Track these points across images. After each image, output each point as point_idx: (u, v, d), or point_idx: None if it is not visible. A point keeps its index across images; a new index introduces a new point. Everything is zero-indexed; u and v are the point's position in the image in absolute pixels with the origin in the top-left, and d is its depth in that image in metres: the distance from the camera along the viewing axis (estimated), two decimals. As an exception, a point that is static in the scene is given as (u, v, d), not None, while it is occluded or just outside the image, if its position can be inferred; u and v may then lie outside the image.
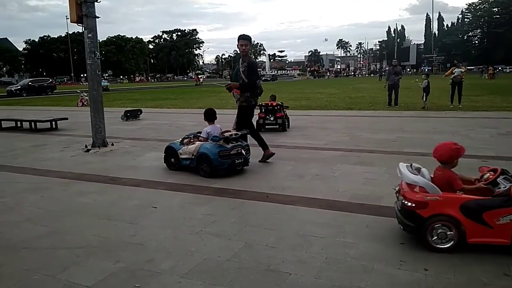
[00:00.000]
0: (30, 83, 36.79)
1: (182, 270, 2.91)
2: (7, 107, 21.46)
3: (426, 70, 48.15)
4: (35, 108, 20.21)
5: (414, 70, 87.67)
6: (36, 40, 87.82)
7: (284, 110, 10.15)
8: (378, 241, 3.32)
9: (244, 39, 6.23)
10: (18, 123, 11.71)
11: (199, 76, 67.91)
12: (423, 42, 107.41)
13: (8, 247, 3.42)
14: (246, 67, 6.25)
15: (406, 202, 3.20)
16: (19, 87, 36.15)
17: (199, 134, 6.06)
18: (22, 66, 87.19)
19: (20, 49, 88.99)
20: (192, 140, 5.94)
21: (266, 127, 9.80)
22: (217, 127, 5.95)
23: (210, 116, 6.06)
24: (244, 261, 3.03)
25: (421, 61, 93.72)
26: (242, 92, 6.40)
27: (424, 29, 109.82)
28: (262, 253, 3.15)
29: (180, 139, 6.12)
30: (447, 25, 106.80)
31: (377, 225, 3.66)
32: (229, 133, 5.85)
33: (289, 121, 10.35)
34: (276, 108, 9.81)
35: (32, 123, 11.08)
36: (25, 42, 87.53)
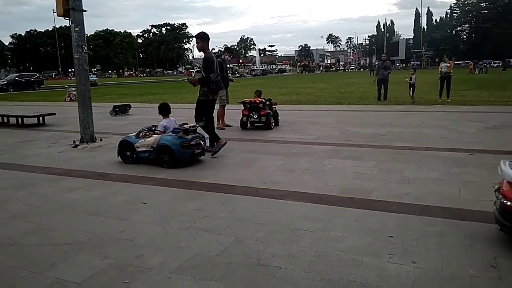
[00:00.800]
0: (16, 78, 36.21)
1: (171, 266, 2.89)
2: (-7, 102, 21.10)
3: (415, 64, 48.46)
4: (22, 103, 19.92)
5: (404, 64, 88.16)
6: (23, 34, 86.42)
7: (274, 106, 9.65)
8: (367, 234, 3.34)
9: (197, 37, 6.66)
10: (5, 118, 11.50)
11: (190, 71, 68.18)
12: (412, 36, 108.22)
13: (-6, 244, 3.36)
14: (203, 62, 6.63)
15: (505, 201, 2.98)
16: (5, 82, 35.52)
17: (154, 128, 6.36)
18: (9, 61, 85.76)
19: (6, 43, 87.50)
20: (148, 134, 6.21)
21: (250, 125, 9.25)
22: (172, 120, 6.39)
23: (164, 110, 6.49)
24: (234, 256, 3.03)
25: (410, 56, 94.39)
26: (201, 87, 6.68)
27: (413, 24, 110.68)
28: (252, 248, 3.15)
29: (135, 132, 6.35)
30: (436, 20, 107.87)
31: (366, 219, 3.68)
32: (187, 125, 6.14)
33: (278, 117, 9.83)
34: (260, 105, 9.06)
35: (19, 118, 10.91)
36: (11, 37, 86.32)
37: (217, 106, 8.65)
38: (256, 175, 5.29)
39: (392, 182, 4.80)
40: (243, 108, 9.30)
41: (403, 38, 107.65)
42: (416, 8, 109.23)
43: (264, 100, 9.23)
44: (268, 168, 5.66)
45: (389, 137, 7.81)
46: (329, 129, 9.11)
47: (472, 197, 4.20)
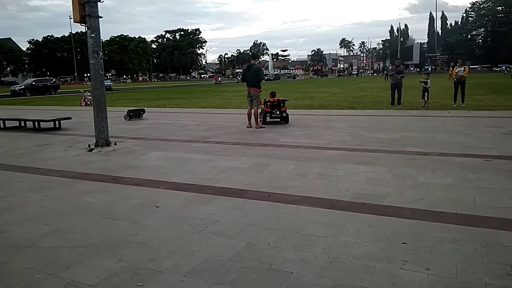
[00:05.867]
0: (33, 83, 36.89)
1: (184, 269, 2.92)
2: (10, 106, 21.56)
3: (429, 69, 47.97)
4: (39, 107, 20.29)
5: (418, 69, 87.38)
6: (40, 40, 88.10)
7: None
8: (380, 240, 3.32)
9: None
10: (22, 122, 11.75)
11: (218, 76, 70.12)
12: (426, 41, 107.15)
13: (11, 246, 3.43)
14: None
15: None
16: (22, 86, 36.23)
17: None
18: (26, 66, 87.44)
19: (24, 49, 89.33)
20: None
21: (270, 120, 10.99)
22: None
23: None
24: (246, 260, 3.04)
25: (424, 60, 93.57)
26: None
27: (427, 28, 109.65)
28: (264, 253, 3.16)
29: None
30: (450, 24, 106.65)
31: (379, 225, 3.65)
32: None
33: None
34: (280, 103, 11.04)
35: (36, 122, 11.12)
36: (29, 42, 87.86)
37: (254, 108, 10.28)
38: (268, 180, 5.29)
39: (405, 188, 4.75)
40: (264, 106, 11.03)
41: (417, 43, 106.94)
42: (430, 12, 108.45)
43: (282, 99, 11.21)
44: (280, 173, 5.66)
45: (403, 142, 7.74)
46: (342, 134, 9.08)
47: (487, 203, 4.14)
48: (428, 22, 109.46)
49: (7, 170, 6.32)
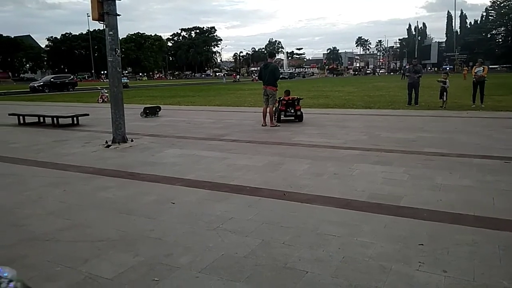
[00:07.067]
0: (52, 80, 37.57)
1: (200, 265, 2.94)
2: (30, 102, 21.99)
3: (447, 68, 47.21)
4: (57, 104, 20.66)
5: (435, 68, 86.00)
6: (58, 37, 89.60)
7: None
8: (396, 241, 3.29)
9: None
10: (41, 118, 12.00)
11: (237, 75, 71.06)
12: (444, 40, 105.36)
13: (31, 239, 3.52)
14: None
15: None
16: (41, 83, 36.90)
17: None
18: (45, 63, 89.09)
19: (43, 46, 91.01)
20: None
21: (284, 118, 11.11)
22: None
23: None
24: (261, 258, 3.05)
25: (442, 60, 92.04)
26: None
27: (445, 27, 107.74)
28: (278, 251, 3.16)
29: None
30: (470, 22, 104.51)
31: (395, 226, 3.62)
32: None
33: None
34: (295, 102, 11.20)
35: (55, 118, 11.33)
36: (48, 39, 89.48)
37: (270, 106, 10.29)
38: (283, 179, 5.29)
39: (422, 189, 4.70)
40: (279, 104, 11.06)
41: (435, 42, 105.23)
42: (448, 11, 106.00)
43: (297, 98, 11.34)
44: (295, 172, 5.65)
45: (420, 143, 7.64)
46: (358, 133, 9.01)
47: (507, 206, 4.06)
48: (446, 21, 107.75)
49: (27, 165, 6.46)
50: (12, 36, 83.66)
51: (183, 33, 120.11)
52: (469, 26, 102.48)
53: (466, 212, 3.90)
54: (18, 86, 44.62)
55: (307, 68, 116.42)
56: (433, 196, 4.41)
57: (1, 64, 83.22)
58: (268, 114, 10.31)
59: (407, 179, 5.12)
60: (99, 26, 8.18)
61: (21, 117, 11.94)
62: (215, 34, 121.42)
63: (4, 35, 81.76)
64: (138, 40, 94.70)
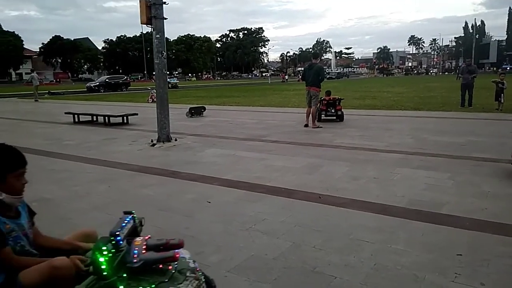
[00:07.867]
0: (107, 80, 39.54)
1: (229, 265, 3.00)
2: (85, 102, 23.29)
3: (507, 68, 44.35)
4: (110, 103, 21.71)
5: (494, 68, 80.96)
6: (114, 39, 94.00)
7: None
8: (433, 250, 3.16)
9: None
10: (94, 117, 12.70)
11: (285, 76, 71.29)
12: (505, 38, 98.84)
13: (76, 231, 3.73)
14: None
15: None
16: (97, 83, 38.90)
17: None
18: (101, 64, 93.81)
19: (100, 48, 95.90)
20: None
21: (325, 117, 11.33)
22: None
23: None
24: (290, 260, 3.05)
25: (502, 59, 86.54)
26: None
27: (506, 24, 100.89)
28: (308, 254, 3.14)
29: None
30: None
31: (434, 234, 3.48)
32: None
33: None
34: (336, 102, 11.42)
35: (106, 117, 11.95)
36: (104, 41, 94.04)
37: (312, 107, 10.30)
38: (320, 181, 5.24)
39: (467, 196, 4.47)
40: (320, 104, 11.14)
41: (495, 40, 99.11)
42: (510, 7, 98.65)
43: (338, 98, 11.57)
44: (333, 175, 5.58)
45: (469, 147, 7.26)
46: (403, 136, 8.71)
47: (561, 218, 3.76)
48: (507, 18, 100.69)
49: (77, 161, 6.86)
50: (72, 39, 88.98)
51: (231, 34, 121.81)
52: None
53: (514, 222, 3.67)
54: (76, 86, 47.35)
55: (356, 67, 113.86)
56: (478, 205, 4.18)
57: (61, 65, 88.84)
58: (310, 115, 10.24)
59: (451, 185, 4.89)
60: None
61: (76, 116, 12.71)
62: (262, 35, 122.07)
63: (65, 37, 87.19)
64: (188, 42, 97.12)
